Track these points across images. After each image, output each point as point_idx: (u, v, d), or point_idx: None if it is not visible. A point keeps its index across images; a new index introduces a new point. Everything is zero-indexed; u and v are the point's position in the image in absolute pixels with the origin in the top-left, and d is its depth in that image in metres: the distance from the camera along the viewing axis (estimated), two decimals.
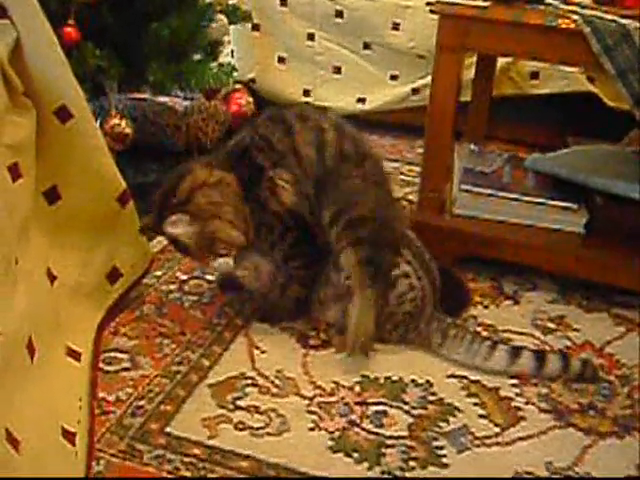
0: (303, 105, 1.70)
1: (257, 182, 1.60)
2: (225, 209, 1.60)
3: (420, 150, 2.57)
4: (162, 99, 2.42)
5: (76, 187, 1.52)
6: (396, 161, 2.62)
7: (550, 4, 1.83)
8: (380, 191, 1.65)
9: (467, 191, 1.98)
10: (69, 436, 1.29)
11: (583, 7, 1.80)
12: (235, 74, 2.10)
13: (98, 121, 1.85)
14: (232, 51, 2.85)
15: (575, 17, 1.72)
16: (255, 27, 2.84)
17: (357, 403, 1.51)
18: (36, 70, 1.41)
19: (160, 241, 1.99)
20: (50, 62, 1.43)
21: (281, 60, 2.88)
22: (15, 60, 1.38)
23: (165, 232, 1.60)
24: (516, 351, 1.60)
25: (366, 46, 2.80)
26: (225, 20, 2.15)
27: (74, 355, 1.45)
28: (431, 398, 1.53)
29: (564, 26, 1.72)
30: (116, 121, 1.85)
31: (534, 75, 2.66)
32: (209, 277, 1.87)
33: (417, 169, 2.46)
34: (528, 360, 1.59)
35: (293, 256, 1.66)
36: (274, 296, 1.72)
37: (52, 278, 1.46)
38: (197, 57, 2.06)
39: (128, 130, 1.87)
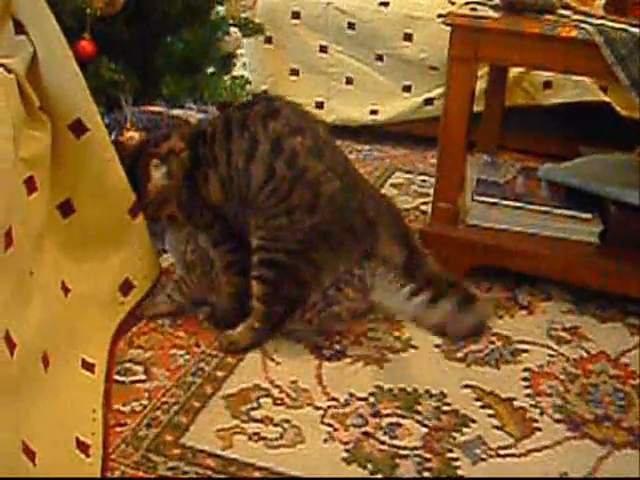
0: (271, 104, 1.66)
1: (197, 168, 1.67)
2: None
3: (432, 161, 2.59)
4: (176, 112, 2.44)
5: (90, 200, 1.53)
6: (409, 172, 2.63)
7: (562, 14, 1.83)
8: (314, 216, 1.59)
9: (481, 202, 1.98)
10: (83, 447, 1.30)
11: (595, 17, 1.81)
12: (248, 87, 2.10)
13: (113, 134, 1.88)
14: (245, 64, 2.87)
15: (587, 27, 1.72)
16: (268, 40, 2.85)
17: (371, 414, 1.51)
18: (52, 85, 1.43)
19: None
20: (66, 76, 1.44)
21: (294, 72, 2.89)
22: (31, 75, 1.40)
23: (144, 171, 1.67)
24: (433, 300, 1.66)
25: (378, 57, 2.81)
26: (238, 33, 2.16)
27: (88, 367, 1.46)
28: (445, 409, 1.53)
29: (575, 36, 1.72)
30: (131, 134, 1.86)
31: (547, 85, 2.66)
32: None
33: (430, 180, 2.46)
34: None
35: (223, 241, 1.71)
36: (217, 299, 1.76)
37: (66, 290, 1.48)
38: (211, 70, 2.07)
39: None
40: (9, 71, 1.34)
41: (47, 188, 1.43)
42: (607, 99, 2.55)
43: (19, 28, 1.41)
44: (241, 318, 1.68)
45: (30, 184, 1.34)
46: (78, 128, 1.47)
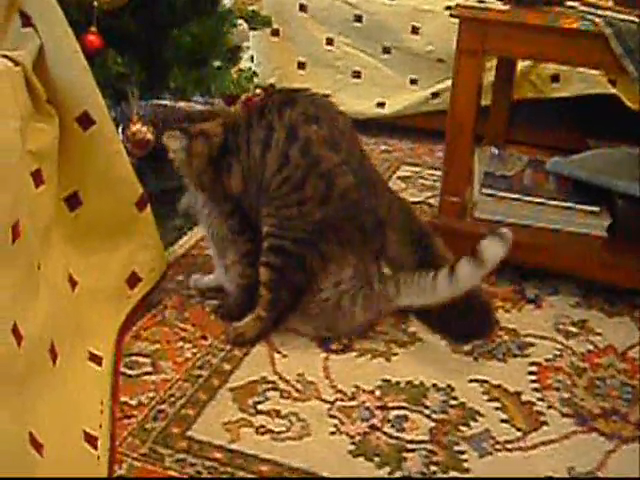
0: (289, 93, 1.68)
1: (224, 157, 1.67)
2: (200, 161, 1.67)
3: (440, 154, 2.59)
4: (183, 104, 2.43)
5: (96, 193, 1.53)
6: (416, 165, 2.62)
7: (571, 6, 1.82)
8: (325, 208, 1.59)
9: (488, 195, 1.97)
10: (91, 440, 1.30)
11: (604, 9, 1.79)
12: (255, 80, 2.10)
13: (120, 127, 1.87)
14: (252, 56, 2.86)
15: (596, 19, 1.71)
16: (275, 32, 2.85)
17: (378, 407, 1.51)
18: (59, 77, 1.42)
19: (182, 245, 2.01)
20: (73, 69, 1.44)
21: (301, 65, 2.89)
22: (39, 68, 1.40)
23: (163, 137, 1.69)
24: (451, 270, 1.58)
25: (385, 50, 2.80)
26: (245, 26, 2.16)
27: (95, 359, 1.46)
28: (452, 402, 1.53)
29: (584, 28, 1.71)
30: (138, 127, 1.86)
31: (554, 78, 2.65)
32: None
33: (437, 173, 2.46)
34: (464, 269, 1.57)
35: (241, 231, 1.71)
36: (233, 293, 1.76)
37: (73, 283, 1.48)
38: (218, 63, 2.07)
39: (150, 136, 1.88)
40: (16, 64, 1.33)
41: (54, 181, 1.43)
42: (616, 92, 2.54)
43: (26, 21, 1.41)
44: (249, 312, 1.68)
45: (37, 177, 1.34)
46: (85, 121, 1.46)
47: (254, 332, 1.66)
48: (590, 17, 1.72)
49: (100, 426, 1.34)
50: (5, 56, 1.33)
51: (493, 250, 1.55)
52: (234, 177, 1.66)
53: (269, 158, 1.60)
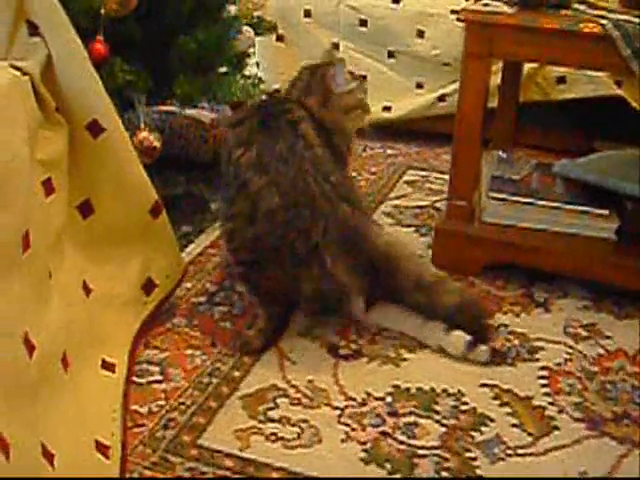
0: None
1: None
2: None
3: (446, 157, 2.58)
4: (189, 111, 2.44)
5: (109, 200, 1.53)
6: (422, 169, 2.61)
7: (577, 9, 1.82)
8: (254, 226, 1.60)
9: (496, 198, 1.97)
10: (103, 449, 1.30)
11: (611, 11, 1.79)
12: (262, 86, 2.10)
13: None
14: (257, 62, 2.86)
15: (603, 21, 1.71)
16: (279, 38, 2.85)
17: (389, 414, 1.50)
18: (67, 86, 1.43)
19: (190, 252, 2.01)
20: (81, 78, 1.44)
21: None
22: (47, 77, 1.40)
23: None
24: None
25: (391, 54, 2.80)
26: (251, 32, 2.16)
27: (109, 367, 1.46)
28: (463, 408, 1.53)
29: (591, 31, 1.71)
30: (145, 135, 1.86)
31: (560, 80, 2.64)
32: (239, 288, 1.87)
33: (444, 177, 2.45)
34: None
35: None
36: None
37: (88, 291, 1.48)
38: (224, 69, 2.07)
39: (157, 143, 1.88)
40: (24, 73, 1.34)
41: (65, 189, 1.43)
42: (622, 94, 2.53)
43: (34, 30, 1.41)
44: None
45: (48, 186, 1.35)
46: (95, 128, 1.46)
47: (258, 344, 1.67)
48: (599, 20, 1.72)
49: (112, 434, 1.34)
50: (13, 66, 1.34)
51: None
52: None
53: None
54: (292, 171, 1.59)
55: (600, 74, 2.54)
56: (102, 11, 1.73)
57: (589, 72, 2.52)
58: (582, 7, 1.83)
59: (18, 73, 1.33)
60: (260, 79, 2.14)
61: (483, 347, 1.64)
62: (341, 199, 1.63)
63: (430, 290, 1.66)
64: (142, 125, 1.88)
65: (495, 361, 1.65)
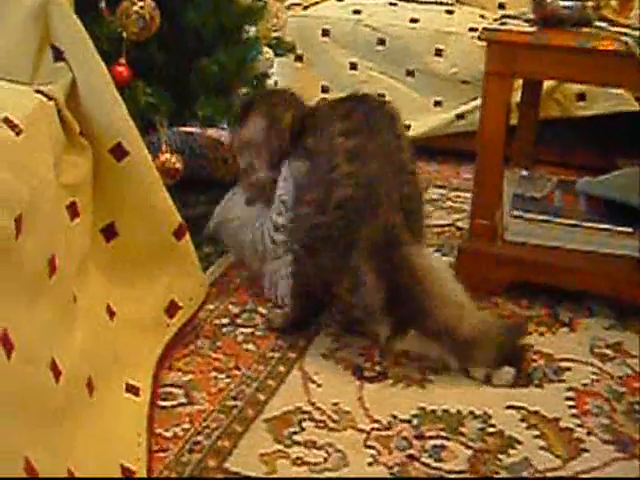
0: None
1: None
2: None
3: (466, 176, 2.58)
4: (209, 132, 2.45)
5: (133, 223, 1.53)
6: (442, 187, 2.61)
7: (598, 26, 1.82)
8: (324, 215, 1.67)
9: (518, 217, 1.96)
10: (129, 474, 1.29)
11: (632, 28, 1.78)
12: None
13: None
14: (276, 82, 2.87)
15: (625, 39, 1.70)
16: (298, 58, 2.86)
17: (415, 437, 1.48)
18: (92, 110, 1.43)
19: (212, 272, 2.01)
20: (105, 101, 1.45)
21: (325, 90, 2.90)
22: (71, 101, 1.41)
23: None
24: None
25: (409, 73, 2.80)
26: (271, 53, 2.16)
27: (133, 390, 1.46)
28: (490, 430, 1.51)
29: (612, 48, 1.70)
30: (167, 156, 1.87)
31: (580, 97, 2.64)
32: (262, 310, 1.87)
33: (464, 195, 2.45)
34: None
35: None
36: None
37: (111, 314, 1.48)
38: (244, 91, 2.08)
39: (179, 165, 1.89)
40: (49, 98, 1.34)
41: (89, 213, 1.43)
42: None
43: (58, 55, 1.42)
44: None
45: (72, 210, 1.35)
46: (119, 152, 1.47)
47: (278, 323, 1.78)
48: (620, 37, 1.71)
49: (138, 459, 1.33)
50: (39, 91, 1.35)
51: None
52: None
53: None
54: (377, 167, 1.65)
55: (619, 90, 2.53)
56: (124, 35, 1.75)
57: (609, 88, 2.51)
58: (604, 25, 1.82)
59: (44, 98, 1.33)
60: None
61: (508, 369, 1.62)
62: (403, 213, 1.66)
63: (466, 345, 1.62)
64: (164, 147, 1.89)
65: (521, 382, 1.63)
